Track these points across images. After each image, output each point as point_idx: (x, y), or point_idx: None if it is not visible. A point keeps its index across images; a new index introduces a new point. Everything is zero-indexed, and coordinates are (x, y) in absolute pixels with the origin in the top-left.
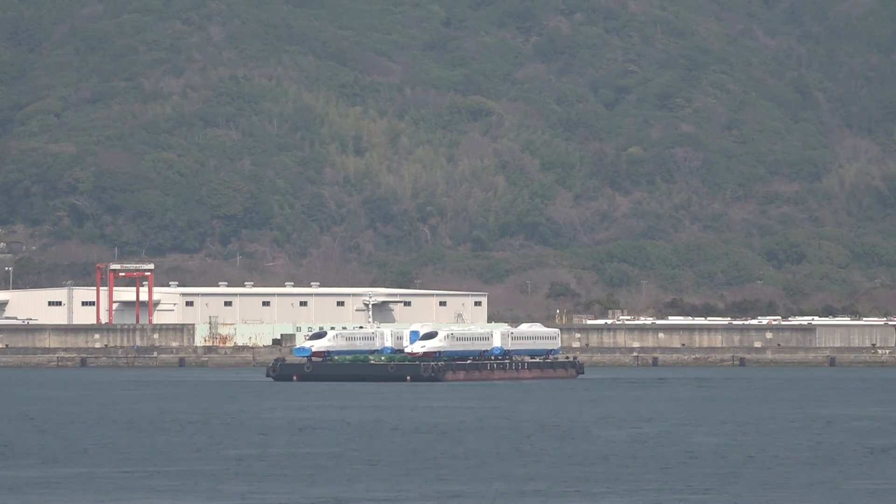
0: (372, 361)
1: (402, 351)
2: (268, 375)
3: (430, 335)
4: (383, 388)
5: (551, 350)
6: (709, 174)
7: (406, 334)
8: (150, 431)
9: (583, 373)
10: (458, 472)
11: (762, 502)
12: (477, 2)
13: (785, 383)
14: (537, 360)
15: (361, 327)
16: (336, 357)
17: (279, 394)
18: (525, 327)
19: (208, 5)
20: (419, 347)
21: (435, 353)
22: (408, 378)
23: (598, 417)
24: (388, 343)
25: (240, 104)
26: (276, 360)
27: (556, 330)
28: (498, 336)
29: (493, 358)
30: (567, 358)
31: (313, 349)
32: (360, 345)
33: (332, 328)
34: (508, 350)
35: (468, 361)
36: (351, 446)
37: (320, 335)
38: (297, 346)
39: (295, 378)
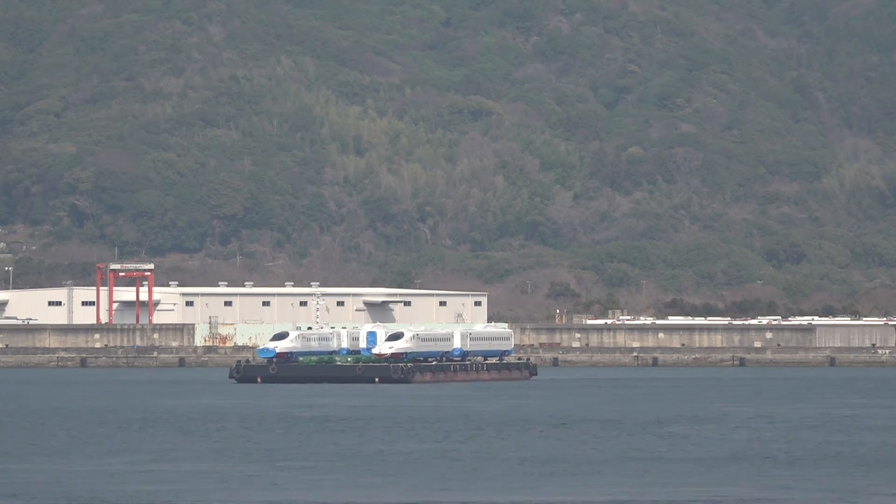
0: (338, 362)
1: (358, 352)
2: (231, 377)
3: (396, 336)
4: (376, 389)
5: (505, 351)
6: (709, 174)
7: (362, 335)
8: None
9: (536, 374)
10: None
11: None
12: (477, 2)
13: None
14: (493, 361)
15: (310, 328)
16: (301, 358)
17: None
18: (481, 328)
19: (208, 5)
20: (387, 348)
21: (402, 354)
22: (376, 379)
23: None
24: (345, 344)
25: (240, 104)
26: (239, 361)
27: (510, 331)
28: (458, 337)
29: (454, 359)
30: (520, 359)
31: (277, 350)
32: (315, 345)
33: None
34: (467, 351)
35: (433, 363)
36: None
37: (282, 336)
38: (261, 347)
39: (259, 380)
